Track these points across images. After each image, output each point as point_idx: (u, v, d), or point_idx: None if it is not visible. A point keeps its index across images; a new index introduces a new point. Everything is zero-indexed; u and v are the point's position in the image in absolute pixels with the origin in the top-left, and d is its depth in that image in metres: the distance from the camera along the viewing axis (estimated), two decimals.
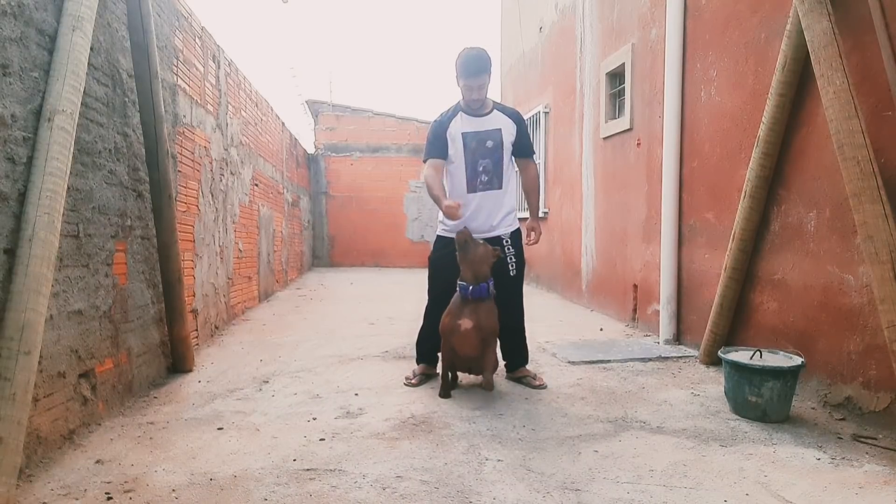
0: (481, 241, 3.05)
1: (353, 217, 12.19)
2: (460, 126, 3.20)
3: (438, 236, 3.36)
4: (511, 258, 3.28)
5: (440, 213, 3.29)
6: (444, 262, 3.23)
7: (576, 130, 6.44)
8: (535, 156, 3.47)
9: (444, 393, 3.07)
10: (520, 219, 3.53)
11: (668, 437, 2.51)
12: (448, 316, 3.03)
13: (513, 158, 3.36)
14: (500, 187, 3.25)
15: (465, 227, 3.06)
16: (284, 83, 43.86)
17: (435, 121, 3.30)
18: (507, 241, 3.28)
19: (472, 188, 3.22)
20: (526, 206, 3.66)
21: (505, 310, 3.15)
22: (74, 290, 2.45)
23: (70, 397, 2.39)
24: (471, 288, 2.95)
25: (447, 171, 3.27)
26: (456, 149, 3.20)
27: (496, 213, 3.25)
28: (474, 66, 3.07)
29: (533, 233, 3.41)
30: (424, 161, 3.28)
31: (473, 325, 2.93)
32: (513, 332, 3.33)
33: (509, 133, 3.24)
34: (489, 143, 3.20)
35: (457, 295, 3.03)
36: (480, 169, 3.21)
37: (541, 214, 7.50)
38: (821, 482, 2.07)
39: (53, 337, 2.27)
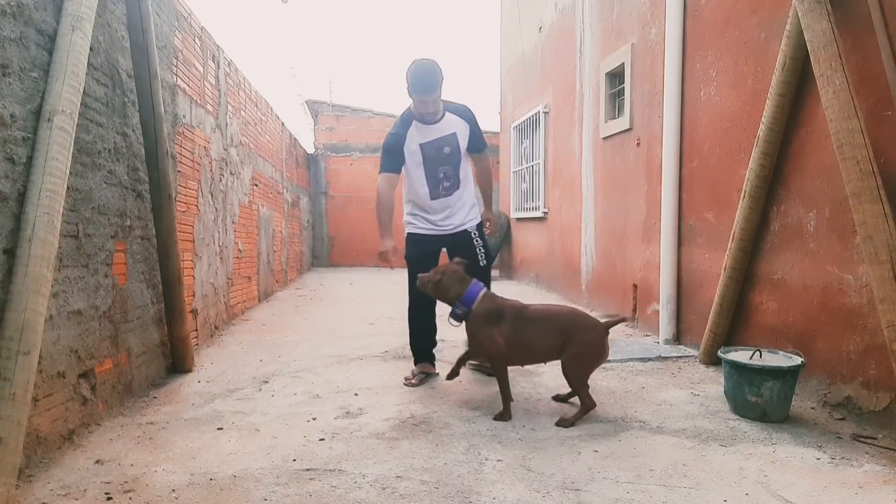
0: (436, 274, 2.97)
1: (353, 217, 12.18)
2: (417, 137, 3.24)
3: (409, 234, 3.42)
4: (480, 248, 3.39)
5: (406, 211, 3.43)
6: (421, 259, 3.31)
7: (575, 130, 6.44)
8: (486, 148, 3.55)
9: (508, 415, 2.78)
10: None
11: (667, 437, 2.51)
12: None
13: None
14: (459, 187, 3.36)
15: (419, 276, 3.04)
16: (284, 83, 43.85)
17: (391, 133, 3.31)
18: (474, 234, 3.40)
19: (435, 195, 3.32)
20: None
21: None
22: (74, 290, 2.44)
23: (70, 397, 2.39)
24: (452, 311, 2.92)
25: (409, 179, 3.35)
26: (415, 161, 3.27)
27: (460, 211, 3.37)
28: (425, 83, 3.07)
29: (488, 222, 3.56)
30: (380, 171, 3.32)
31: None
32: None
33: (463, 135, 3.31)
34: (446, 150, 3.27)
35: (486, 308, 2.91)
36: (441, 175, 3.30)
37: (540, 214, 7.58)
38: (820, 482, 2.07)
39: (53, 337, 2.27)
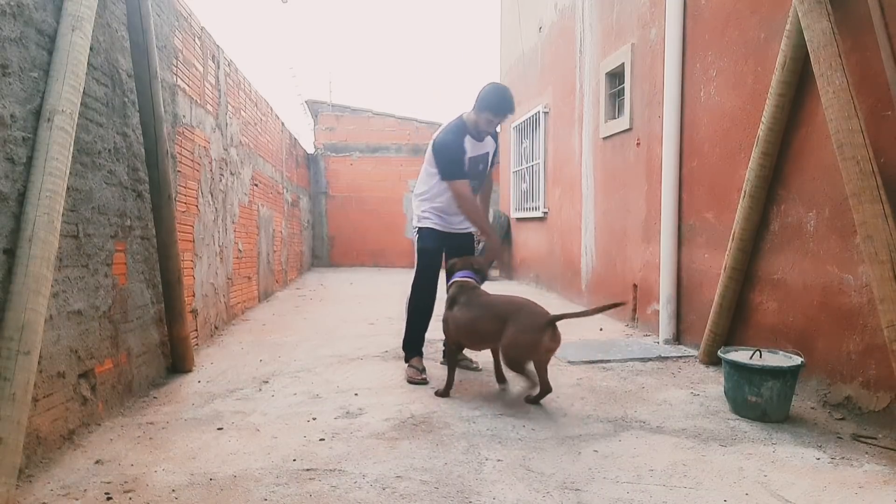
0: (455, 259, 3.39)
1: (353, 217, 12.18)
2: (468, 150, 3.43)
3: (428, 228, 3.54)
4: (478, 248, 3.77)
5: (424, 208, 3.55)
6: (433, 251, 3.51)
7: (575, 130, 6.44)
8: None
9: (445, 394, 3.12)
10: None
11: (667, 437, 2.51)
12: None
13: None
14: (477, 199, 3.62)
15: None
16: (284, 83, 43.87)
17: (452, 141, 3.39)
18: (476, 236, 3.75)
19: None
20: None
21: None
22: (74, 290, 2.44)
23: (70, 397, 2.39)
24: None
25: (441, 184, 3.47)
26: None
27: None
28: (505, 108, 3.30)
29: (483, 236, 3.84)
30: (451, 178, 3.37)
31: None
32: None
33: (492, 154, 3.60)
34: (481, 167, 3.53)
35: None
36: (471, 188, 3.50)
37: (540, 214, 7.60)
38: (820, 482, 2.07)
39: (53, 337, 2.27)
